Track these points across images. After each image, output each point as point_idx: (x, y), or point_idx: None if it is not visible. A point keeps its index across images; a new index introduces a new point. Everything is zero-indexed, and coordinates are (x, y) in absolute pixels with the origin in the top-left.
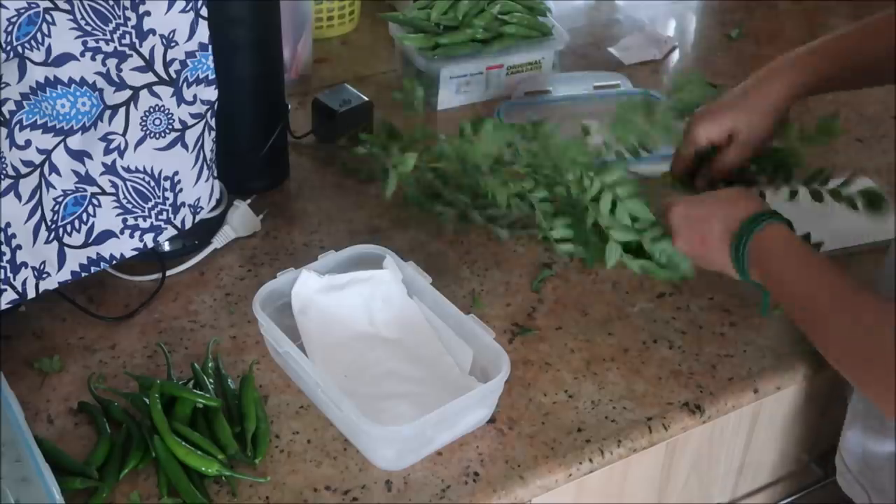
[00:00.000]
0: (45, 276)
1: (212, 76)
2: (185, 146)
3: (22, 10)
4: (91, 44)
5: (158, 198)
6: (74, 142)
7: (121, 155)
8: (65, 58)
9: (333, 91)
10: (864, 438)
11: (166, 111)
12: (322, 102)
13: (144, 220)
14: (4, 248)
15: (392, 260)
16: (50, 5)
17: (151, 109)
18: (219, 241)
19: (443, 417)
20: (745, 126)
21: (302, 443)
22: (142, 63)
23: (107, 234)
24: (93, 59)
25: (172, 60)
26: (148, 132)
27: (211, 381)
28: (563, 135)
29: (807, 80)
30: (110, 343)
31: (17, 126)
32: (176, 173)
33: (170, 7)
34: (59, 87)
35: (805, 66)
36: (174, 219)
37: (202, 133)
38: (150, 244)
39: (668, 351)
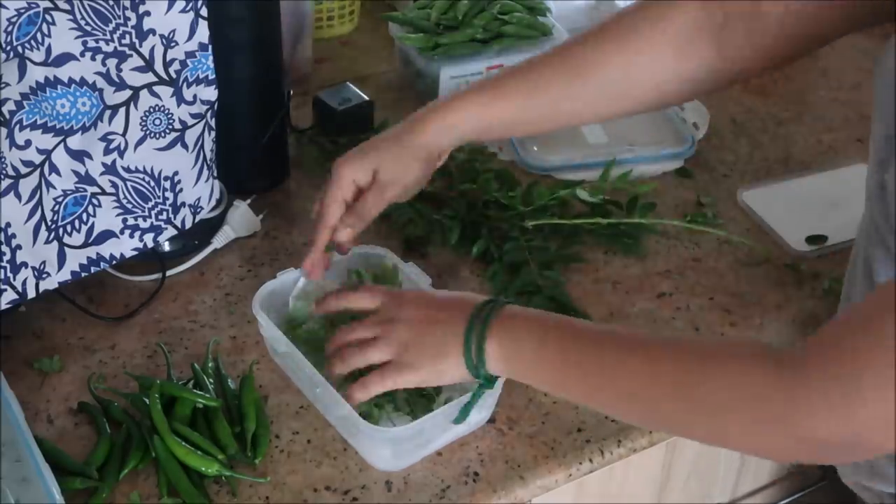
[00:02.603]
0: (45, 276)
1: (212, 76)
2: (185, 146)
3: (22, 10)
4: (91, 44)
5: (158, 198)
6: (74, 142)
7: (121, 155)
8: (65, 58)
9: (334, 89)
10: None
11: (166, 111)
12: (322, 101)
13: (144, 220)
14: (4, 248)
15: (391, 261)
16: (50, 5)
17: (151, 109)
18: (219, 241)
19: (441, 418)
20: (391, 165)
21: (302, 443)
22: (142, 63)
23: (107, 234)
24: (93, 59)
25: (172, 60)
26: (148, 132)
27: (211, 381)
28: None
29: (468, 122)
30: (110, 343)
31: (17, 126)
32: (176, 173)
33: (170, 7)
34: (59, 87)
35: (466, 107)
36: (174, 219)
37: (202, 133)
38: (150, 244)
39: None
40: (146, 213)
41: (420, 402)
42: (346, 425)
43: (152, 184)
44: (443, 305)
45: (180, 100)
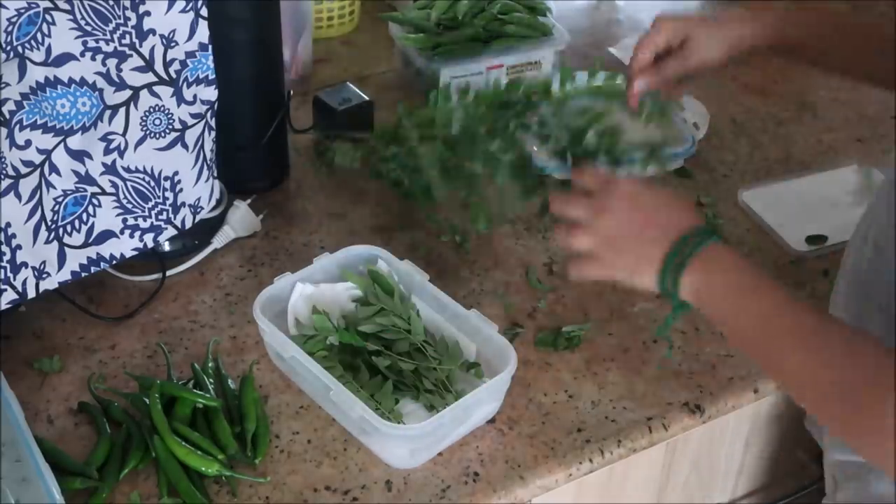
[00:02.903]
0: (45, 276)
1: (212, 76)
2: (185, 146)
3: (22, 10)
4: (91, 44)
5: (158, 198)
6: (74, 142)
7: (121, 155)
8: (65, 58)
9: (334, 89)
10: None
11: (166, 111)
12: (322, 100)
13: (144, 220)
14: (4, 248)
15: (384, 261)
16: (50, 5)
17: (151, 109)
18: (219, 241)
19: (456, 413)
20: (704, 38)
21: (302, 443)
22: (142, 63)
23: (107, 234)
24: (93, 59)
25: (172, 60)
26: (148, 132)
27: (211, 381)
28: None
29: (779, 30)
30: (110, 343)
31: (17, 126)
32: (176, 173)
33: (170, 7)
34: (59, 87)
35: (783, 18)
36: (174, 219)
37: (202, 133)
38: (150, 244)
39: (668, 351)
40: (146, 213)
41: (436, 395)
42: (361, 425)
43: (152, 184)
44: (653, 217)
45: (180, 100)
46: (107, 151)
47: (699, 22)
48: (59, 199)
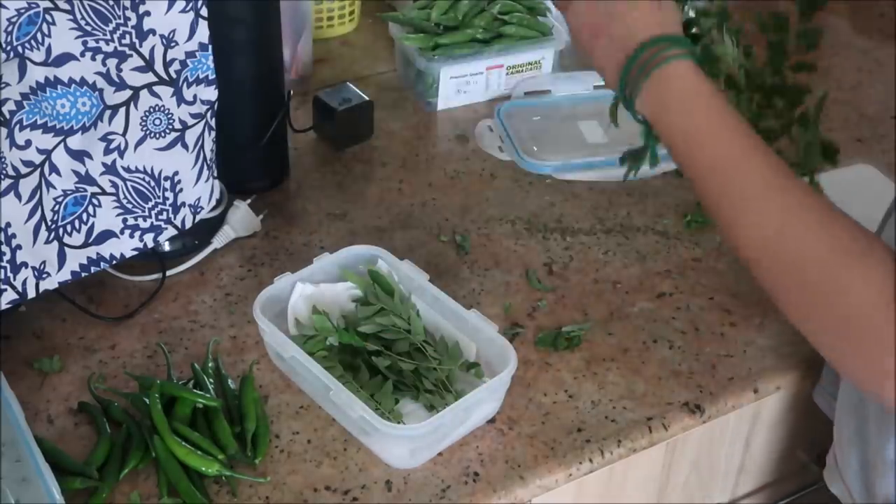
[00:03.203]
0: (45, 276)
1: (212, 76)
2: (186, 146)
3: (22, 10)
4: (91, 44)
5: (158, 198)
6: (74, 142)
7: (121, 155)
8: (65, 58)
9: (334, 89)
10: (862, 444)
11: (166, 111)
12: (322, 101)
13: (144, 220)
14: (4, 248)
15: (384, 261)
16: (50, 5)
17: (151, 109)
18: (219, 241)
19: (456, 413)
20: None
21: (302, 443)
22: (142, 63)
23: (107, 234)
24: (93, 59)
25: (172, 60)
26: (148, 132)
27: (211, 381)
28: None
29: None
30: (110, 343)
31: (17, 126)
32: (176, 173)
33: (170, 7)
34: (59, 87)
35: None
36: (174, 219)
37: (202, 133)
38: (150, 244)
39: (668, 351)
40: (146, 213)
41: (436, 395)
42: (361, 425)
43: (152, 184)
44: (619, 13)
45: (180, 100)
46: (107, 151)
47: None
48: (59, 199)
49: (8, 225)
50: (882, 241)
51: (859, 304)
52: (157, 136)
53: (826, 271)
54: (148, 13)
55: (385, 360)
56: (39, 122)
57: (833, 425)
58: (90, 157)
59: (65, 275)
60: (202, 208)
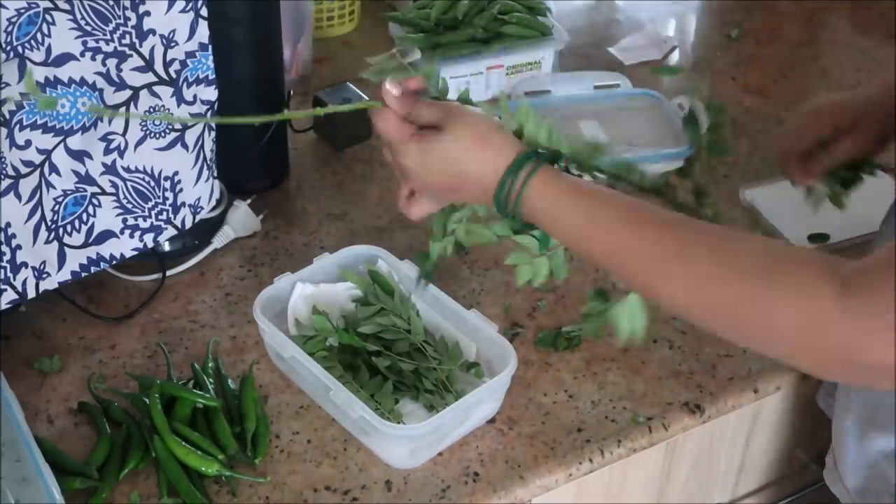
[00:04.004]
0: (45, 276)
1: (212, 76)
2: (185, 146)
3: (22, 10)
4: (91, 44)
5: (158, 198)
6: (74, 142)
7: (121, 155)
8: (65, 58)
9: (334, 89)
10: (862, 439)
11: (166, 111)
12: (322, 101)
13: (144, 220)
14: (4, 248)
15: (384, 261)
16: (50, 5)
17: (151, 109)
18: (219, 241)
19: (456, 413)
20: (878, 114)
21: (302, 443)
22: (142, 63)
23: (107, 234)
24: (93, 59)
25: (172, 60)
26: (148, 132)
27: (211, 381)
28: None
29: None
30: (110, 343)
31: (17, 126)
32: (176, 173)
33: (170, 7)
34: (59, 87)
35: None
36: (174, 219)
37: (202, 133)
38: (150, 244)
39: (668, 351)
40: (146, 213)
41: (439, 395)
42: (361, 425)
43: (152, 184)
44: (459, 179)
45: (180, 100)
46: (107, 151)
47: (867, 100)
48: (59, 199)
49: (8, 225)
50: (794, 245)
51: (807, 310)
52: (157, 136)
53: (752, 297)
54: (148, 13)
55: (385, 360)
56: (39, 122)
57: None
58: (90, 157)
59: (65, 275)
60: (202, 208)
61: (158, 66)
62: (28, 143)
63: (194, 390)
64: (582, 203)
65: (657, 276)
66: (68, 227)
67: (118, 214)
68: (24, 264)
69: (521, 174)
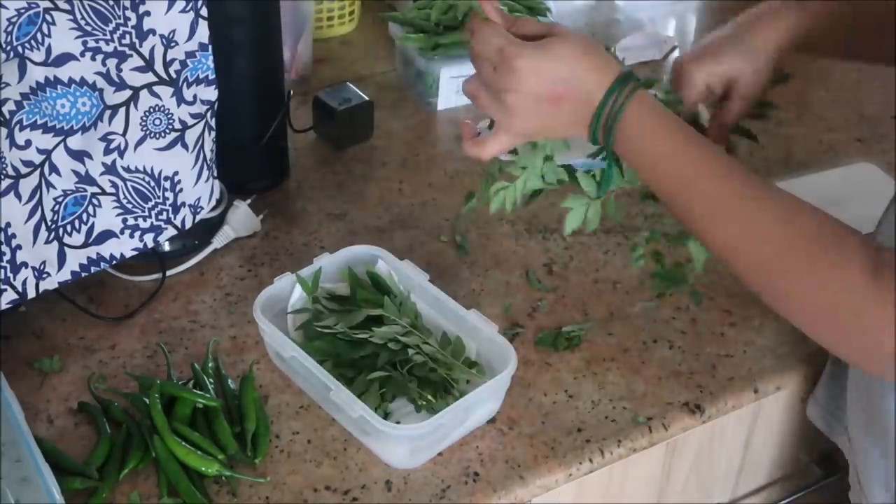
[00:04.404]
0: (45, 276)
1: (212, 76)
2: (185, 146)
3: (22, 10)
4: (91, 44)
5: (158, 198)
6: (74, 142)
7: (121, 155)
8: (65, 58)
9: (334, 89)
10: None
11: (166, 111)
12: (322, 101)
13: (144, 220)
14: (4, 248)
15: (384, 261)
16: (50, 5)
17: (151, 109)
18: (219, 241)
19: (456, 413)
20: (750, 71)
21: (302, 443)
22: (142, 63)
23: (107, 234)
24: (93, 59)
25: (172, 60)
26: (148, 132)
27: (211, 381)
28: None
29: (803, 25)
30: (110, 343)
31: (17, 126)
32: (176, 173)
33: (170, 7)
34: (59, 87)
35: (801, 10)
36: (174, 219)
37: (202, 133)
38: (150, 244)
39: (668, 351)
40: (146, 213)
41: (438, 395)
42: (361, 425)
43: (152, 184)
44: (562, 91)
45: (180, 100)
46: (107, 151)
47: (734, 52)
48: (59, 199)
49: (8, 225)
50: (851, 228)
51: (839, 289)
52: (157, 136)
53: (799, 262)
54: (148, 13)
55: (384, 359)
56: (39, 122)
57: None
58: (90, 157)
59: (65, 275)
60: (202, 208)
61: (158, 66)
62: (28, 143)
63: (194, 390)
64: (672, 133)
65: (717, 222)
66: (68, 227)
67: (118, 214)
68: (24, 264)
69: (625, 89)
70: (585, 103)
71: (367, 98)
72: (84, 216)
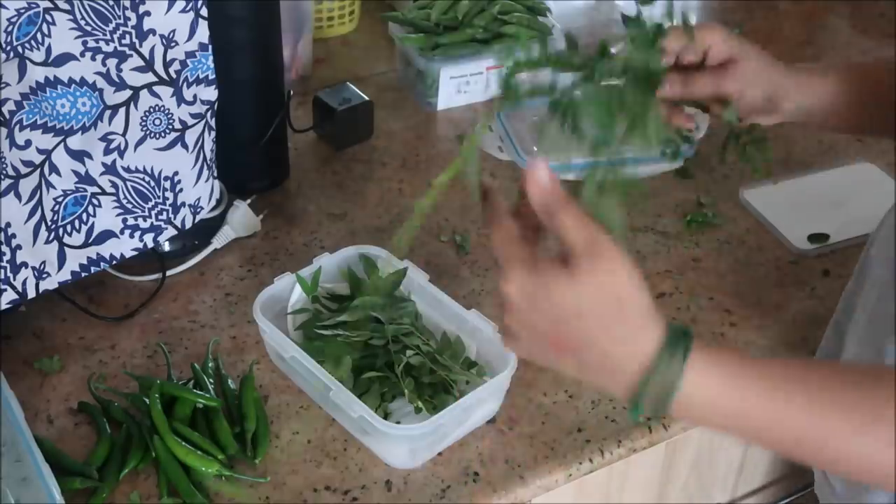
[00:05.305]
0: (45, 276)
1: (212, 76)
2: (185, 146)
3: (22, 10)
4: (91, 44)
5: (158, 198)
6: (74, 142)
7: (121, 155)
8: (65, 58)
9: (334, 89)
10: None
11: (166, 111)
12: (322, 100)
13: (144, 220)
14: (4, 248)
15: (384, 261)
16: (50, 5)
17: (151, 109)
18: (219, 241)
19: (456, 413)
20: (754, 71)
21: (302, 443)
22: (142, 63)
23: (107, 234)
24: (93, 59)
25: (172, 60)
26: (148, 132)
27: (211, 381)
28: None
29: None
30: (110, 343)
31: (17, 126)
32: (176, 173)
33: (170, 7)
34: (59, 87)
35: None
36: (174, 219)
37: (202, 133)
38: (150, 244)
39: None
40: (146, 213)
41: (438, 395)
42: (361, 425)
43: (152, 184)
44: (598, 347)
45: (180, 100)
46: (107, 151)
47: (763, 57)
48: (59, 199)
49: (8, 225)
50: None
51: None
52: (157, 136)
53: None
54: (148, 13)
55: (384, 359)
56: (39, 122)
57: None
58: (90, 157)
59: (65, 275)
60: (202, 208)
61: (158, 66)
62: (28, 143)
63: (194, 390)
64: (754, 388)
65: (840, 455)
66: (68, 227)
67: (118, 214)
68: (24, 264)
69: (674, 363)
70: (600, 366)
71: (367, 98)
72: (84, 216)
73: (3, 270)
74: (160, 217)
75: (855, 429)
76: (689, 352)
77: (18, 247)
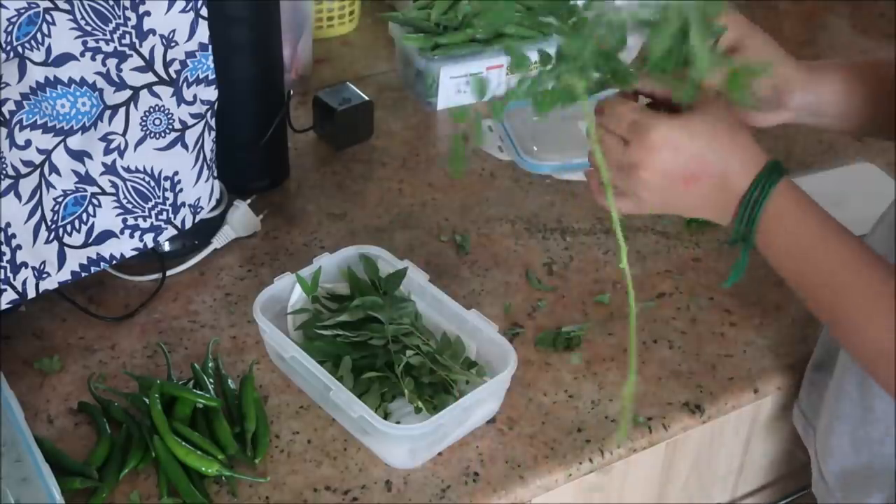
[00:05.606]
0: (45, 276)
1: (212, 76)
2: (185, 146)
3: (22, 10)
4: (91, 44)
5: (158, 198)
6: (74, 142)
7: (121, 155)
8: (65, 58)
9: (334, 89)
10: (852, 450)
11: (166, 111)
12: (322, 100)
13: (144, 220)
14: (4, 248)
15: (384, 261)
16: (50, 5)
17: (151, 109)
18: (219, 241)
19: (456, 413)
20: (762, 48)
21: (302, 443)
22: (142, 63)
23: (107, 234)
24: (93, 59)
25: (172, 60)
26: (148, 132)
27: (211, 381)
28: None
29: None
30: (110, 343)
31: (17, 126)
32: (176, 173)
33: (170, 7)
34: (59, 87)
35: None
36: (174, 219)
37: (202, 133)
38: (150, 244)
39: (668, 351)
40: (146, 213)
41: (438, 395)
42: (361, 425)
43: (152, 184)
44: (702, 170)
45: (180, 100)
46: (107, 151)
47: (772, 46)
48: (59, 199)
49: (8, 225)
50: None
51: None
52: (157, 136)
53: None
54: (148, 13)
55: (384, 359)
56: (39, 122)
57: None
58: (90, 157)
59: (65, 275)
60: (202, 208)
61: (158, 66)
62: (28, 143)
63: (194, 390)
64: (816, 223)
65: (862, 321)
66: (68, 227)
67: (118, 214)
68: (24, 264)
69: (770, 180)
70: (721, 188)
71: (367, 98)
72: (84, 216)
73: (3, 270)
74: (160, 217)
75: (876, 298)
76: (783, 174)
77: (18, 247)
